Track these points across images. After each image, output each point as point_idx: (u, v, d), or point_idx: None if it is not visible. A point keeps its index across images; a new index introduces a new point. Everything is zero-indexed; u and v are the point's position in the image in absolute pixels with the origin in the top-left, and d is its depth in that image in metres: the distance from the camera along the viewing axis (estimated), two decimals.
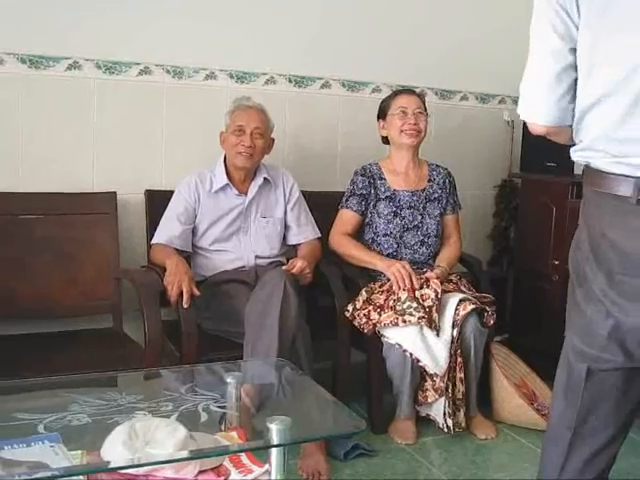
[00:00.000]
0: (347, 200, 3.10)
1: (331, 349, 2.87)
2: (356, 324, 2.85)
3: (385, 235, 3.07)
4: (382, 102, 3.17)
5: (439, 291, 2.81)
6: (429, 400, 2.83)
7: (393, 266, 2.88)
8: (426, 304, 2.77)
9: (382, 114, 3.14)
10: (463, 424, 2.86)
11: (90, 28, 2.93)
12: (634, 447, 2.75)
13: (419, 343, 2.75)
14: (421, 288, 2.82)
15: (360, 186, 3.08)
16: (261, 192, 2.98)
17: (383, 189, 3.09)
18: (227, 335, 2.74)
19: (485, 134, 3.95)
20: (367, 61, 3.54)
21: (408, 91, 3.17)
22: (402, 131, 3.06)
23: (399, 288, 2.81)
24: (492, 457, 2.78)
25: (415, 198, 3.11)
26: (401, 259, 3.04)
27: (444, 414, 2.80)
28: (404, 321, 2.74)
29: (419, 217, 3.10)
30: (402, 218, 3.08)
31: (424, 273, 2.95)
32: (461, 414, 2.85)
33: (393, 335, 2.78)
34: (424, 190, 3.14)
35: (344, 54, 3.48)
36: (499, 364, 3.01)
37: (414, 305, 2.75)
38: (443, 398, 2.79)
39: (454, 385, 2.82)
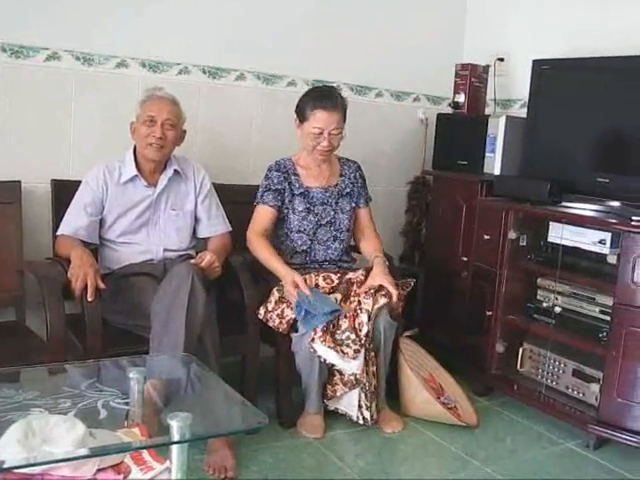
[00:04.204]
0: (262, 196, 3.03)
1: (240, 343, 2.85)
2: (271, 325, 2.84)
3: (299, 232, 3.06)
4: (301, 101, 3.01)
5: (371, 311, 2.80)
6: (338, 394, 2.85)
7: (288, 281, 2.82)
8: (362, 333, 2.76)
9: (299, 115, 3.02)
10: (375, 416, 2.89)
11: None
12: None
13: (339, 360, 2.76)
14: (355, 312, 2.80)
15: (276, 181, 3.03)
16: (171, 184, 2.93)
17: (297, 185, 3.07)
18: (134, 329, 2.68)
19: (399, 131, 4.01)
20: (283, 54, 3.54)
21: (328, 104, 2.93)
22: (314, 149, 3.00)
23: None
24: (399, 450, 2.82)
25: (328, 194, 3.11)
26: (314, 255, 3.07)
27: (360, 407, 2.83)
28: (342, 352, 2.74)
29: (332, 213, 3.10)
30: (315, 214, 3.08)
31: (347, 270, 2.99)
32: (373, 407, 2.88)
33: (321, 351, 2.76)
34: (336, 185, 3.14)
35: (260, 46, 3.46)
36: (406, 358, 3.05)
37: (352, 337, 2.75)
38: (356, 390, 2.82)
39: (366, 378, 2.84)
